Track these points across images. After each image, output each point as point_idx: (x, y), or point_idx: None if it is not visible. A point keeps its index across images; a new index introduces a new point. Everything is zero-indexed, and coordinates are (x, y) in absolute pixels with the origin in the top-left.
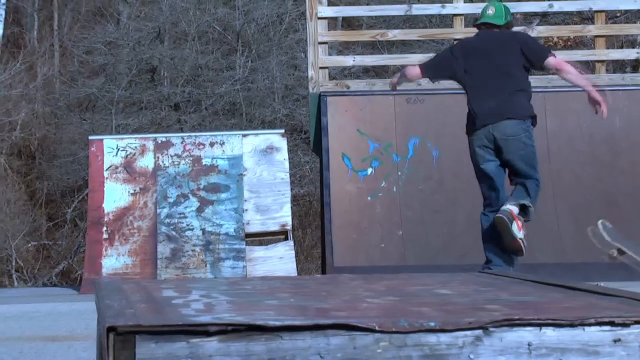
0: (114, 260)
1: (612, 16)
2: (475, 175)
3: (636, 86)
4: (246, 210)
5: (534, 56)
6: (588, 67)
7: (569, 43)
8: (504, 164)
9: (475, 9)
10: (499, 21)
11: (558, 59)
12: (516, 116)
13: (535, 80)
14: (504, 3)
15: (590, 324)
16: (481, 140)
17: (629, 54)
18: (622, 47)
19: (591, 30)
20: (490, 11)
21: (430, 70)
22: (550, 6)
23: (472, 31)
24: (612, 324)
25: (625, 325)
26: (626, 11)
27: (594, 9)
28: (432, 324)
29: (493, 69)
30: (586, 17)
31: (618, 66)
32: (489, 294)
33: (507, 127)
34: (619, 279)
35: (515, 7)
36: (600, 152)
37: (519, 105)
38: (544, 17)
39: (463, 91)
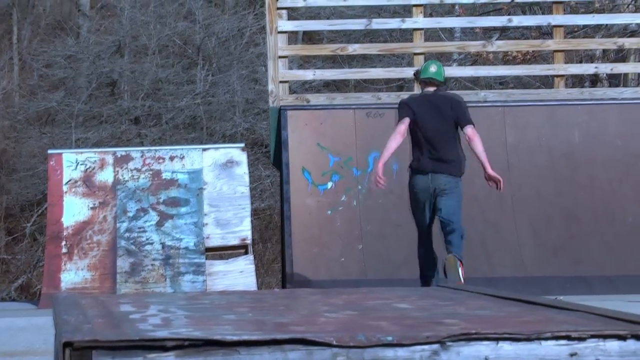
0: (73, 274)
1: (571, 31)
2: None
3: (595, 101)
4: (206, 224)
5: (459, 118)
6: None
7: (527, 57)
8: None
9: (435, 23)
10: (440, 78)
11: (474, 131)
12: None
13: (494, 94)
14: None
15: (547, 338)
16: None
17: (588, 68)
18: (581, 62)
19: (550, 45)
20: (433, 69)
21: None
22: (510, 21)
23: (432, 46)
24: (568, 338)
25: (581, 339)
26: (585, 26)
27: (553, 23)
28: (390, 338)
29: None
30: (545, 32)
31: (577, 81)
32: (447, 308)
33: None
34: (578, 293)
35: (474, 22)
36: (559, 166)
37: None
38: (504, 32)
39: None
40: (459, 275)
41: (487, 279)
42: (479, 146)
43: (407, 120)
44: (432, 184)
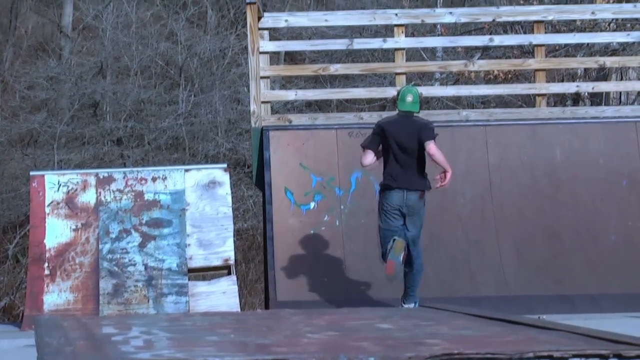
0: (56, 296)
1: (552, 50)
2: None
3: (576, 119)
4: (189, 245)
5: (421, 137)
6: (529, 100)
7: (509, 76)
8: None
9: (416, 43)
10: (416, 108)
11: (435, 147)
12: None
13: (476, 113)
14: (415, 87)
15: (529, 358)
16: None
17: (569, 87)
18: (562, 81)
19: (531, 64)
20: (410, 98)
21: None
22: (491, 40)
23: (414, 65)
24: (550, 357)
25: (563, 358)
26: (566, 45)
27: (534, 43)
28: (372, 359)
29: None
30: (527, 51)
31: (559, 99)
32: (429, 328)
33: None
34: (561, 312)
35: (456, 41)
36: (542, 185)
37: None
38: (485, 51)
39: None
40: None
41: (470, 298)
42: (440, 156)
43: (370, 155)
44: (405, 200)
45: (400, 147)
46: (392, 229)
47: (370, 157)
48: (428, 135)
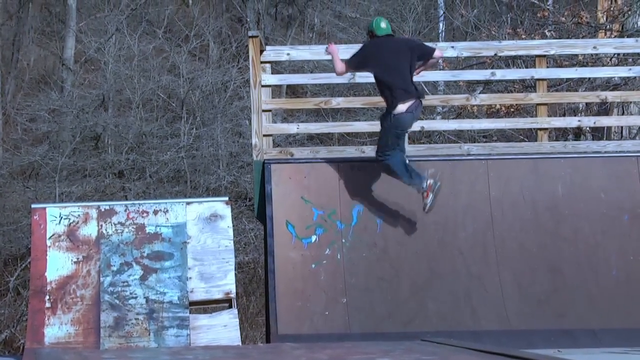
0: (57, 329)
1: (554, 84)
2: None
3: (578, 154)
4: (190, 278)
5: (424, 54)
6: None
7: (511, 109)
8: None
9: (419, 77)
10: (389, 31)
11: (439, 50)
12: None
13: (477, 147)
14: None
15: None
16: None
17: (571, 121)
18: (564, 115)
19: (533, 98)
20: (384, 24)
21: (352, 66)
22: (493, 74)
23: None
24: None
25: None
26: (568, 79)
27: (536, 77)
28: None
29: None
30: (528, 85)
31: (560, 133)
32: None
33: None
34: (562, 346)
35: (458, 76)
36: (543, 219)
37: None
38: (487, 85)
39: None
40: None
41: (471, 332)
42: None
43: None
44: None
45: (396, 61)
46: (404, 152)
47: (342, 66)
48: (427, 46)
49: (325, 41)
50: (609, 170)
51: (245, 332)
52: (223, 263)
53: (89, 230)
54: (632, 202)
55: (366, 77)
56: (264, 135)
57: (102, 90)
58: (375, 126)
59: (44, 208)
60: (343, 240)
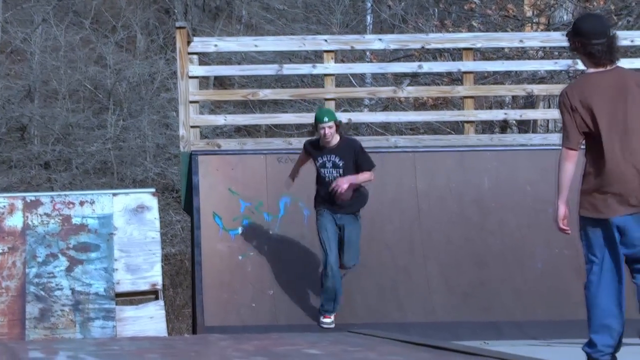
0: None
1: (481, 77)
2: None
3: (504, 147)
4: (116, 269)
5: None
6: (458, 127)
7: (439, 102)
8: None
9: (346, 69)
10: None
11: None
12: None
13: (405, 140)
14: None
15: None
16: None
17: (497, 114)
18: (490, 108)
19: (460, 91)
20: (327, 118)
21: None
22: (420, 67)
23: (343, 91)
24: None
25: None
26: (494, 73)
27: (463, 70)
28: None
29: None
30: (455, 78)
31: (487, 127)
32: (357, 354)
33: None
34: (487, 338)
35: (385, 68)
36: (469, 212)
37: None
38: (414, 78)
39: None
40: None
41: (398, 324)
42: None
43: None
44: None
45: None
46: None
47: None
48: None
49: (254, 33)
50: (534, 163)
51: (172, 324)
52: (149, 255)
53: (15, 221)
54: None
55: (294, 69)
56: (192, 127)
57: (28, 81)
58: (302, 118)
59: None
60: (270, 232)
